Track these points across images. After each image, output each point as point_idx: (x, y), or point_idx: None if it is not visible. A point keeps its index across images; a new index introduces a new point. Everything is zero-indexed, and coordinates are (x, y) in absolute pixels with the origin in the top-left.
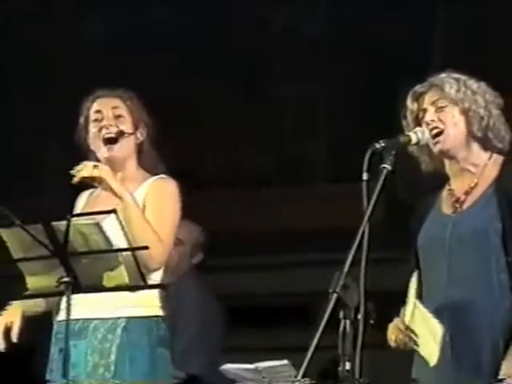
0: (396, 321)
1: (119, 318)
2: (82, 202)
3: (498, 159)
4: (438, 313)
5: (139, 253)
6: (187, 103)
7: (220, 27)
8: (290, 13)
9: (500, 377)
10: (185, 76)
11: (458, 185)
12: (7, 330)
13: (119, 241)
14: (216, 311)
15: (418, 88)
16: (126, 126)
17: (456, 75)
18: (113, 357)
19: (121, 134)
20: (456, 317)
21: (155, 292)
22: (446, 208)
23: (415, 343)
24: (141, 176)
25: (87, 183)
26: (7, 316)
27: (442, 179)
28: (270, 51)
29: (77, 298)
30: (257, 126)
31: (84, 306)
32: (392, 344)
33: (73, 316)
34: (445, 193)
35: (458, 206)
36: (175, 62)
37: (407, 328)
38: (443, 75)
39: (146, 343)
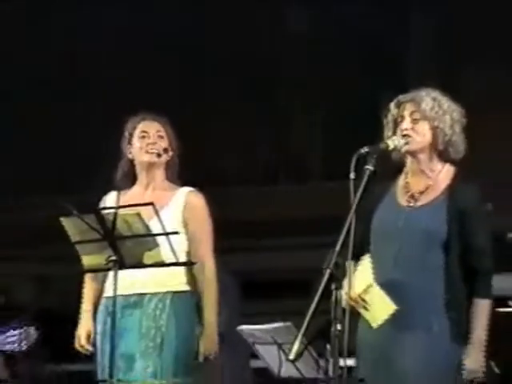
0: (347, 289)
1: (167, 292)
2: (112, 199)
3: (450, 169)
4: (380, 286)
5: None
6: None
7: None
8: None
9: (465, 376)
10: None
11: (414, 181)
12: (88, 337)
13: (171, 224)
14: (231, 284)
15: (401, 98)
16: (165, 144)
17: (434, 94)
18: (162, 322)
19: (165, 151)
20: (395, 294)
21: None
22: (401, 199)
23: (364, 308)
24: (167, 185)
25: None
26: (85, 325)
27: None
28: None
29: (133, 277)
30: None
31: (138, 283)
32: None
33: (129, 292)
34: (401, 183)
35: (412, 201)
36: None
37: (359, 296)
38: (423, 92)
39: (187, 311)
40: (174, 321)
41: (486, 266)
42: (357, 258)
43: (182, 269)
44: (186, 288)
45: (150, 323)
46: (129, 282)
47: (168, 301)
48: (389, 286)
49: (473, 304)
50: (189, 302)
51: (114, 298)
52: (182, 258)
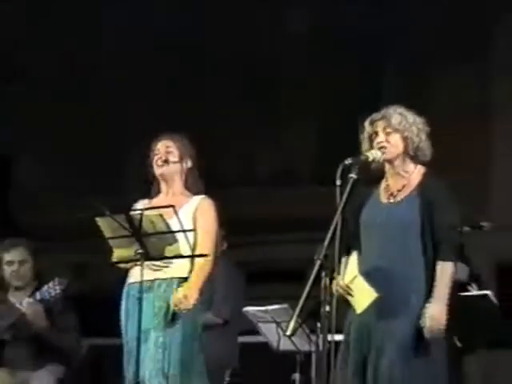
0: (337, 279)
1: (173, 278)
2: (143, 204)
3: (421, 169)
4: (368, 274)
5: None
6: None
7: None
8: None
9: (425, 323)
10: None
11: (393, 182)
12: None
13: (186, 222)
14: (237, 274)
15: (374, 116)
16: (173, 157)
17: (400, 110)
18: (170, 302)
19: (166, 161)
20: (380, 280)
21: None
22: (383, 198)
23: (350, 295)
24: (186, 192)
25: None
26: None
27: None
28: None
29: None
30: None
31: (149, 272)
32: (334, 292)
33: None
34: (383, 185)
35: (392, 198)
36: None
37: (346, 286)
38: (391, 110)
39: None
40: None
41: (450, 237)
42: (349, 249)
43: (187, 259)
44: (189, 275)
45: (161, 303)
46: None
47: (175, 285)
48: (375, 270)
49: (436, 266)
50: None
51: (141, 283)
52: (188, 250)
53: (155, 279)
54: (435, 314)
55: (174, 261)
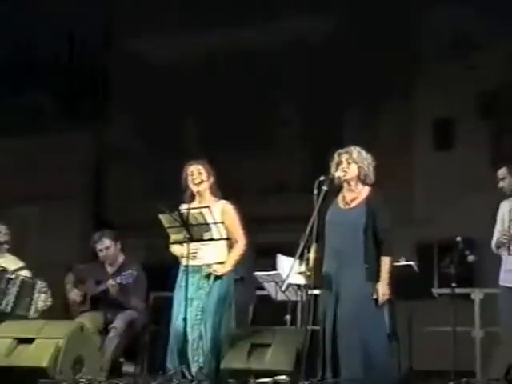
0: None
1: (210, 263)
2: (185, 206)
3: (366, 189)
4: (330, 253)
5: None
6: None
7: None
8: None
9: (374, 297)
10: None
11: (347, 195)
12: None
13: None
14: (248, 251)
15: (340, 151)
16: (203, 177)
17: (358, 148)
18: (211, 278)
19: (201, 181)
20: (338, 256)
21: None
22: (341, 204)
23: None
24: (212, 199)
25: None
26: None
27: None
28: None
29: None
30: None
31: (197, 259)
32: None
33: (192, 263)
34: (340, 196)
35: (346, 205)
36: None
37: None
38: (352, 147)
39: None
40: (217, 279)
41: (387, 238)
42: (318, 237)
43: (225, 248)
44: (223, 259)
45: (203, 280)
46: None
47: (214, 266)
48: (335, 251)
49: (381, 260)
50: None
51: (187, 266)
52: (218, 236)
53: (202, 264)
54: (382, 291)
55: (213, 252)
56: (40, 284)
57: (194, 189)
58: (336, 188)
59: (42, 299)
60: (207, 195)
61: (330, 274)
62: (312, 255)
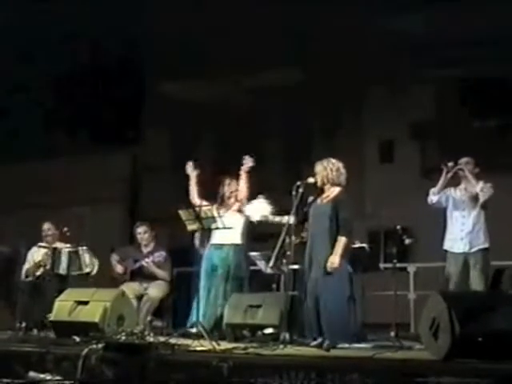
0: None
1: (232, 244)
2: (214, 207)
3: (337, 189)
4: (311, 235)
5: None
6: None
7: None
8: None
9: (328, 264)
10: None
11: (324, 194)
12: None
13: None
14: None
15: (316, 163)
16: (232, 188)
17: (326, 161)
18: (230, 258)
19: (232, 193)
20: (315, 238)
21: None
22: (319, 201)
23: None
24: (232, 202)
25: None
26: None
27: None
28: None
29: (218, 236)
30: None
31: (218, 238)
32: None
33: (215, 242)
34: (319, 195)
35: (322, 201)
36: None
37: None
38: (322, 160)
39: (242, 254)
40: (235, 258)
41: (344, 225)
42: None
43: (241, 232)
44: (241, 242)
45: (223, 260)
46: (216, 237)
47: (233, 247)
48: (313, 235)
49: (338, 238)
50: (243, 249)
51: (209, 248)
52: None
53: (223, 243)
54: (332, 260)
55: (229, 233)
56: (82, 248)
57: (228, 201)
58: (317, 190)
59: (87, 257)
60: (233, 199)
61: (309, 250)
62: (293, 239)
